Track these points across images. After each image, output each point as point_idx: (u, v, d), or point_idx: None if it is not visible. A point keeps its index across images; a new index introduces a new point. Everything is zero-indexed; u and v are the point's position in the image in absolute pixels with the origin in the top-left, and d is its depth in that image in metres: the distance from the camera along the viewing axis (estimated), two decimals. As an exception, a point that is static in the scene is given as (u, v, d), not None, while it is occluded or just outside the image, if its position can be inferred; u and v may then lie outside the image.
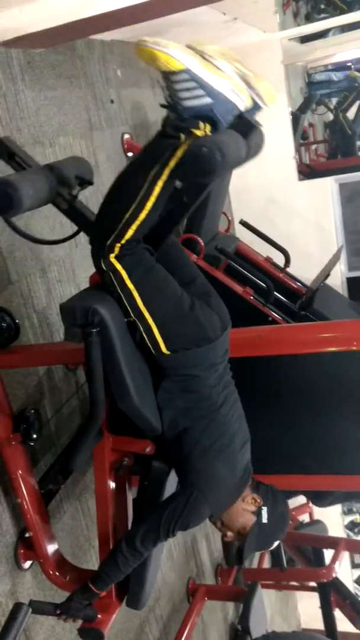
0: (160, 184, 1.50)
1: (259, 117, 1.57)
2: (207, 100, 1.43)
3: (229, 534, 1.81)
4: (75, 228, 1.90)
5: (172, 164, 1.48)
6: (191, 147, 1.42)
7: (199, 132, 1.44)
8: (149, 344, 1.63)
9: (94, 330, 1.52)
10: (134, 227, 1.53)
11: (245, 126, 1.54)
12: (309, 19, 6.35)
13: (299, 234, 4.79)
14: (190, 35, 4.06)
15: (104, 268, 1.58)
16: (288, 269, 3.74)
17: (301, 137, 5.97)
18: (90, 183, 1.80)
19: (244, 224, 3.89)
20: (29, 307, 2.33)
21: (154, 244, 1.65)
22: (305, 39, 5.61)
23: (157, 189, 1.50)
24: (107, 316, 1.54)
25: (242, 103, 1.48)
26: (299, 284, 3.71)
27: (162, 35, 3.65)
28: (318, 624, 4.46)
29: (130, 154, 3.30)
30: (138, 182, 1.51)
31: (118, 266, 1.56)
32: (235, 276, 3.22)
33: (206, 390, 1.71)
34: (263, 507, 1.76)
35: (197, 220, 3.32)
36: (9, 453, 1.97)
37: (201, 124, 1.44)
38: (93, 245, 1.61)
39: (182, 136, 1.44)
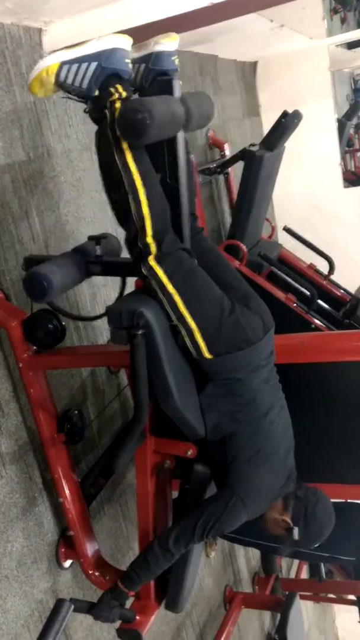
0: (130, 160, 1.50)
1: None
2: (94, 64, 1.49)
3: None
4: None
5: (121, 138, 1.49)
6: (116, 116, 1.46)
7: (114, 97, 1.49)
8: (191, 347, 1.64)
9: (139, 332, 1.55)
10: (146, 213, 1.54)
11: (164, 84, 1.58)
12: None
13: (343, 241, 4.74)
14: (237, 43, 4.07)
15: (145, 273, 1.60)
16: (332, 277, 3.71)
17: (347, 145, 5.91)
18: (104, 237, 1.88)
19: (288, 230, 3.88)
20: (74, 310, 2.37)
21: (177, 233, 1.67)
22: (352, 45, 5.56)
23: (132, 166, 1.50)
24: (152, 319, 1.57)
25: (122, 42, 1.52)
26: (342, 291, 3.67)
27: (209, 42, 3.67)
28: (356, 639, 4.37)
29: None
30: (114, 173, 1.53)
31: (159, 271, 1.58)
32: (278, 283, 3.21)
33: (250, 394, 1.70)
34: (294, 527, 1.74)
35: (240, 226, 3.33)
36: (52, 453, 2.01)
37: (112, 89, 1.49)
38: (132, 256, 1.64)
39: (106, 112, 1.49)
